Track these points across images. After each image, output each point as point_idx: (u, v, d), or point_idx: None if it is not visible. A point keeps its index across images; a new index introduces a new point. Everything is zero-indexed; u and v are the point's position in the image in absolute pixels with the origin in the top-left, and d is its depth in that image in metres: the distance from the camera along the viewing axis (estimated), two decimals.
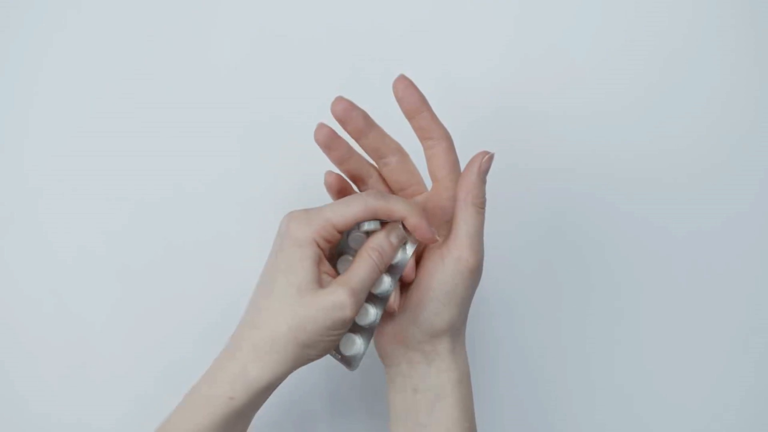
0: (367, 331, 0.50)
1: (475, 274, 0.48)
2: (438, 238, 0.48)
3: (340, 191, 0.51)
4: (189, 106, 0.61)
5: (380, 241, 0.48)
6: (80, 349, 0.61)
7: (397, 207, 0.47)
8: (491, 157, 0.48)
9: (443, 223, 0.50)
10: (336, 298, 0.45)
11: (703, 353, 0.65)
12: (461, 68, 0.63)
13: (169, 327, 0.61)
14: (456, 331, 0.50)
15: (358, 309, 0.46)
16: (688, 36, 0.64)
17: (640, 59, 0.64)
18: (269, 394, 0.47)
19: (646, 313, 0.64)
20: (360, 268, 0.47)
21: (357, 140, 0.50)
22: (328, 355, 0.49)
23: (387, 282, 0.49)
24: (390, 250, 0.48)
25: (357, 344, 0.50)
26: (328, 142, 0.48)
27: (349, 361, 0.50)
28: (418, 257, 0.50)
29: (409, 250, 0.49)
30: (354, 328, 0.50)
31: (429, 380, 0.49)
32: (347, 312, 0.45)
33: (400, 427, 0.50)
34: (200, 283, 0.61)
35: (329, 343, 0.46)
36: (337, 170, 0.50)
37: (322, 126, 0.49)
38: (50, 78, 0.61)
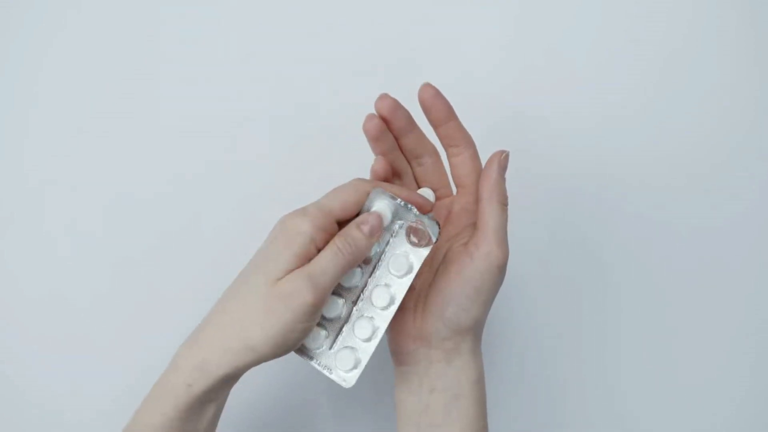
0: (367, 346, 0.48)
1: (502, 270, 0.48)
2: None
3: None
4: (189, 106, 0.61)
5: (349, 229, 0.46)
6: (79, 347, 0.61)
7: (387, 186, 0.47)
8: (508, 155, 0.49)
9: (469, 225, 0.50)
10: (291, 286, 0.43)
11: (705, 352, 0.65)
12: (461, 72, 0.63)
13: (168, 325, 0.61)
14: (479, 329, 0.50)
15: (322, 298, 0.44)
16: (688, 36, 0.64)
17: (640, 61, 0.64)
18: (232, 384, 0.46)
19: (647, 313, 0.64)
20: (322, 254, 0.45)
21: (397, 139, 0.50)
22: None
23: (388, 294, 0.48)
24: (362, 239, 0.46)
25: (355, 360, 0.47)
26: (378, 134, 0.48)
27: (345, 378, 0.47)
28: (423, 258, 0.50)
29: (421, 255, 0.48)
30: (354, 341, 0.48)
31: (447, 380, 0.49)
32: (304, 298, 0.43)
33: (411, 428, 0.49)
34: (199, 282, 0.61)
35: (293, 338, 0.44)
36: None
37: (372, 117, 0.48)
38: (50, 78, 0.61)
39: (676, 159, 0.64)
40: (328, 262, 0.45)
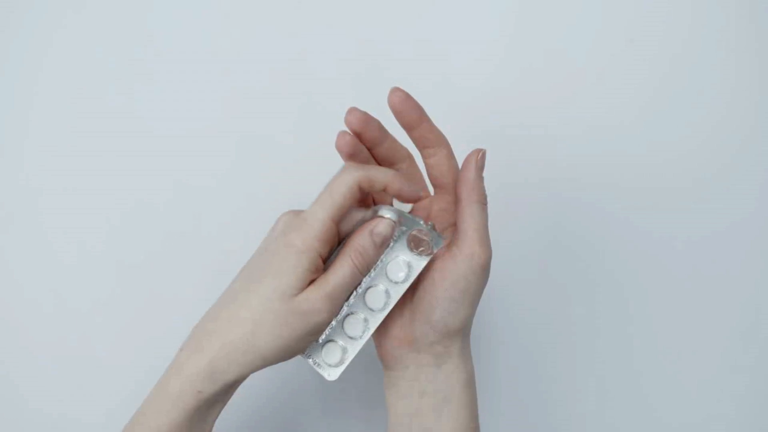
0: (355, 343, 0.49)
1: (486, 270, 0.48)
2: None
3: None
4: (189, 106, 0.61)
5: (362, 240, 0.47)
6: (79, 346, 0.61)
7: (377, 175, 0.47)
8: (484, 153, 0.49)
9: (449, 225, 0.51)
10: (311, 305, 0.45)
11: (704, 356, 0.65)
12: (461, 75, 0.63)
13: (167, 325, 0.61)
14: (467, 330, 0.50)
15: (335, 312, 0.46)
16: (687, 40, 0.64)
17: (639, 65, 0.63)
18: (238, 386, 0.47)
19: (645, 317, 0.64)
20: (338, 271, 0.46)
21: (370, 149, 0.49)
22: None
23: (383, 297, 0.49)
24: (373, 249, 0.47)
25: (341, 355, 0.49)
26: (352, 151, 0.48)
27: (329, 372, 0.49)
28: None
29: (420, 263, 0.49)
30: (342, 337, 0.49)
31: (437, 383, 0.49)
32: (322, 316, 0.45)
33: (403, 429, 0.49)
34: (198, 282, 0.61)
35: (302, 347, 0.47)
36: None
37: (344, 134, 0.47)
38: (50, 78, 0.61)
39: (676, 163, 0.64)
40: (344, 278, 0.46)
